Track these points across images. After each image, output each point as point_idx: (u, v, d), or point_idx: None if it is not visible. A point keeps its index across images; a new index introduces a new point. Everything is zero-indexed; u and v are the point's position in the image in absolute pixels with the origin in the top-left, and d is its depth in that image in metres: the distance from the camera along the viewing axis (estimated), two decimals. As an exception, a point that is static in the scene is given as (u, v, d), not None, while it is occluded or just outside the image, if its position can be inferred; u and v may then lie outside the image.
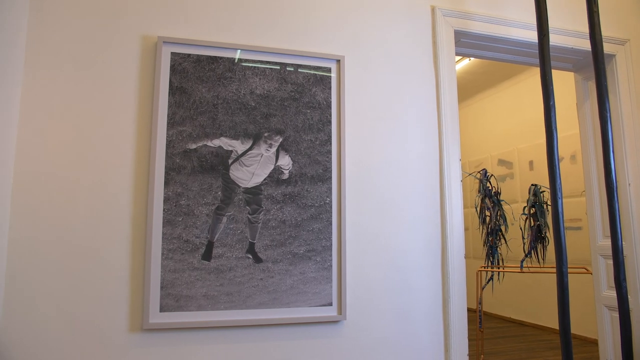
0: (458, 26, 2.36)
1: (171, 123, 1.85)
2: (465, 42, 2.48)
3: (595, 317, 2.62)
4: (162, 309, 1.77)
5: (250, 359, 1.86)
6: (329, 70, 2.07)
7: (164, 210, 1.81)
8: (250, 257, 1.88)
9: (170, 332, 1.79)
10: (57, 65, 1.81)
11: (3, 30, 1.63)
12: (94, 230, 1.76)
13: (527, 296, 5.34)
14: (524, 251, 3.24)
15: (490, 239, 3.25)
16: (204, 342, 1.82)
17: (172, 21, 1.95)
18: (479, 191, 3.33)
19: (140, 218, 1.81)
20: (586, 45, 2.38)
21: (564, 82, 3.50)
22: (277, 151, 1.95)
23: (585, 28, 2.18)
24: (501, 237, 3.26)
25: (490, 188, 3.30)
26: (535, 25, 2.04)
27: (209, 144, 1.88)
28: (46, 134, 1.77)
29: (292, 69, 2.02)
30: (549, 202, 3.17)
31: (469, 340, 2.17)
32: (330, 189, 2.00)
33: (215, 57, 1.94)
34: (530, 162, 5.38)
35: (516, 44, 2.50)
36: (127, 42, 1.90)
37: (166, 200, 1.82)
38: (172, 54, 1.90)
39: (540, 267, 3.18)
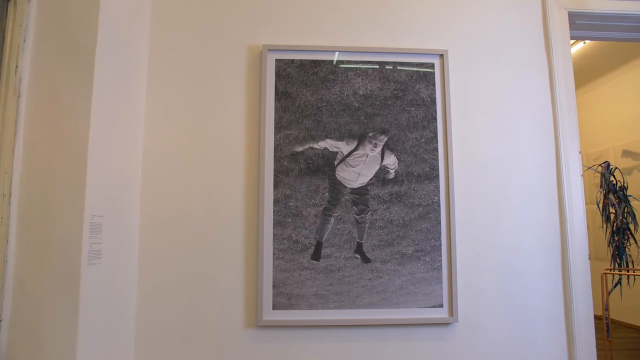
0: (572, 7, 2.17)
1: (278, 127, 1.92)
2: (581, 24, 2.28)
3: None
4: (274, 307, 1.84)
5: (360, 359, 1.86)
6: (432, 66, 2.02)
7: (274, 211, 1.88)
8: (359, 257, 1.88)
9: (282, 329, 1.86)
10: (173, 78, 1.97)
11: (129, 46, 1.80)
12: (210, 232, 1.88)
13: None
14: (658, 252, 2.89)
15: (616, 238, 2.94)
16: (315, 340, 1.86)
17: (275, 29, 2.03)
18: (601, 186, 3.03)
19: (252, 220, 1.90)
20: None
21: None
22: (383, 151, 1.93)
23: None
24: (630, 236, 2.93)
25: (614, 182, 2.98)
26: (669, -2, 1.81)
27: (315, 146, 1.92)
28: (166, 142, 1.93)
29: (393, 67, 1.99)
30: (688, 197, 2.79)
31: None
32: (437, 187, 1.94)
33: (318, 60, 1.97)
34: (663, 153, 4.77)
35: (643, 21, 2.24)
36: (234, 52, 2.00)
37: (276, 202, 1.88)
38: (277, 60, 1.97)
39: (680, 271, 2.81)
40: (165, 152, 1.92)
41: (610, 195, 2.94)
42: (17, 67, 1.47)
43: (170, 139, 1.93)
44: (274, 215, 1.88)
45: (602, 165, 3.06)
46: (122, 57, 1.71)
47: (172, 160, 1.92)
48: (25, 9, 1.51)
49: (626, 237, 2.93)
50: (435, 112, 1.98)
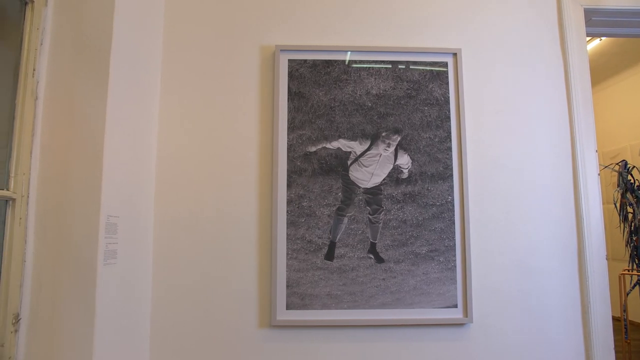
0: (588, 3, 2.14)
1: (291, 127, 1.92)
2: (597, 21, 2.25)
3: None
4: (288, 307, 1.84)
5: (373, 359, 1.85)
6: (445, 64, 2.00)
7: (287, 211, 1.88)
8: (372, 257, 1.88)
9: (296, 329, 1.86)
10: (187, 79, 1.98)
11: (143, 47, 1.82)
12: (224, 232, 1.89)
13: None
14: (678, 252, 2.84)
15: (634, 238, 2.88)
16: (328, 340, 1.86)
17: (288, 29, 2.03)
18: (618, 185, 2.98)
19: (266, 220, 1.90)
20: None
21: None
22: (396, 150, 1.92)
23: None
24: (648, 236, 2.88)
25: (632, 181, 2.93)
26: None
27: (328, 146, 1.92)
28: (180, 142, 1.94)
29: (406, 67, 1.98)
30: None
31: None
32: (451, 187, 1.92)
33: (330, 60, 1.97)
34: (680, 151, 4.67)
35: (662, 16, 2.20)
36: (248, 53, 2.01)
37: (289, 202, 1.88)
38: (290, 60, 1.97)
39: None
40: (179, 153, 1.94)
41: (628, 195, 2.89)
42: (34, 70, 1.49)
43: (184, 139, 1.94)
44: (287, 215, 1.88)
45: (619, 163, 3.01)
46: (136, 58, 1.73)
47: (185, 161, 1.93)
48: (42, 12, 1.53)
49: (644, 237, 2.89)
50: (449, 111, 1.97)
